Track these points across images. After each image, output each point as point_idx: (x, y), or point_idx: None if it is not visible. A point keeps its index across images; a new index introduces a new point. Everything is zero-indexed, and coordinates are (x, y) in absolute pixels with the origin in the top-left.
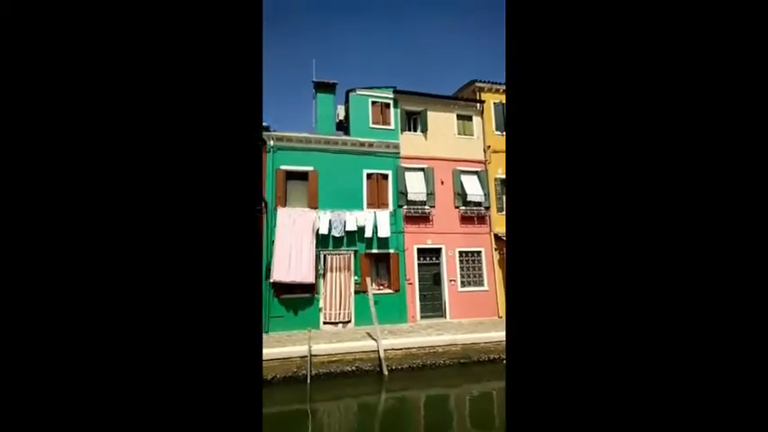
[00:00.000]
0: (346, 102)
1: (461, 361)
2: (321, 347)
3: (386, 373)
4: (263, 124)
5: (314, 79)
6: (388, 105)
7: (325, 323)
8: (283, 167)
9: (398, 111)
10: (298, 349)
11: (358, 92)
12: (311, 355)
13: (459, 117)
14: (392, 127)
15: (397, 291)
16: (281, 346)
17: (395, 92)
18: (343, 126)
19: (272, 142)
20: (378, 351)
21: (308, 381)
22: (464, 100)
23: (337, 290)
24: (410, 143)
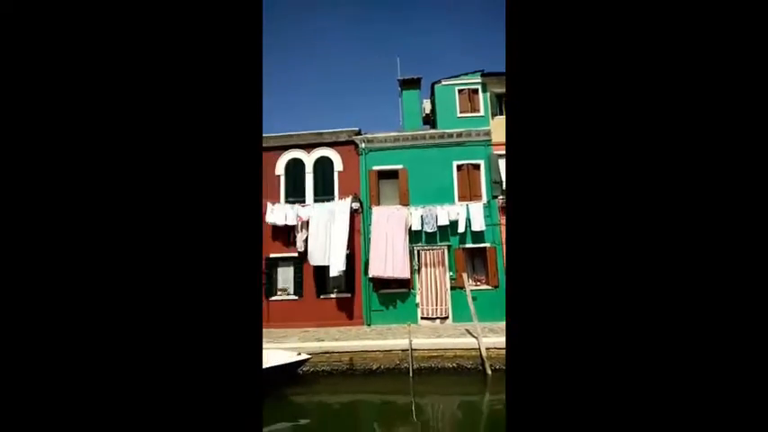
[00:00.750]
0: (432, 95)
1: None
2: (421, 342)
3: (489, 372)
4: (355, 129)
5: (398, 77)
6: (476, 91)
7: (422, 318)
8: (375, 168)
9: (488, 95)
10: (398, 342)
11: (443, 82)
12: (412, 350)
13: None
14: (482, 113)
15: (496, 287)
16: (383, 339)
17: (482, 75)
18: (429, 120)
19: (363, 145)
20: (479, 349)
21: (411, 374)
22: None
23: (433, 285)
24: (503, 128)
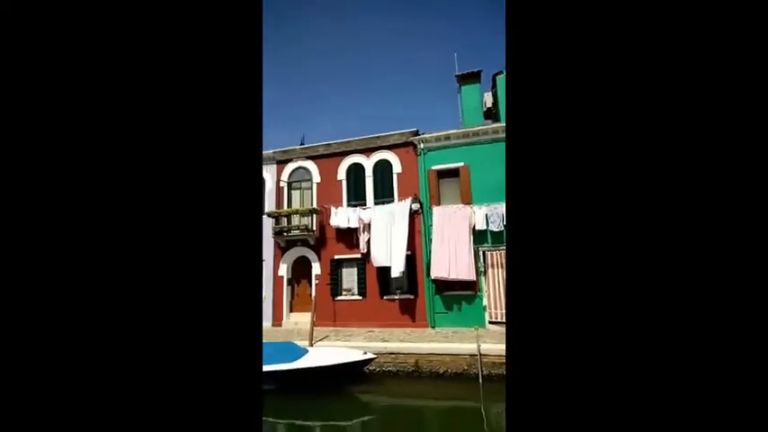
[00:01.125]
0: (493, 87)
1: None
2: (490, 347)
3: None
4: (413, 129)
5: (456, 73)
6: None
7: (490, 322)
8: (434, 168)
9: None
10: (466, 347)
11: (506, 72)
12: (481, 355)
13: None
14: None
15: None
16: (449, 342)
17: None
18: (491, 114)
19: (421, 145)
20: None
21: (480, 380)
22: None
23: (502, 287)
24: None
